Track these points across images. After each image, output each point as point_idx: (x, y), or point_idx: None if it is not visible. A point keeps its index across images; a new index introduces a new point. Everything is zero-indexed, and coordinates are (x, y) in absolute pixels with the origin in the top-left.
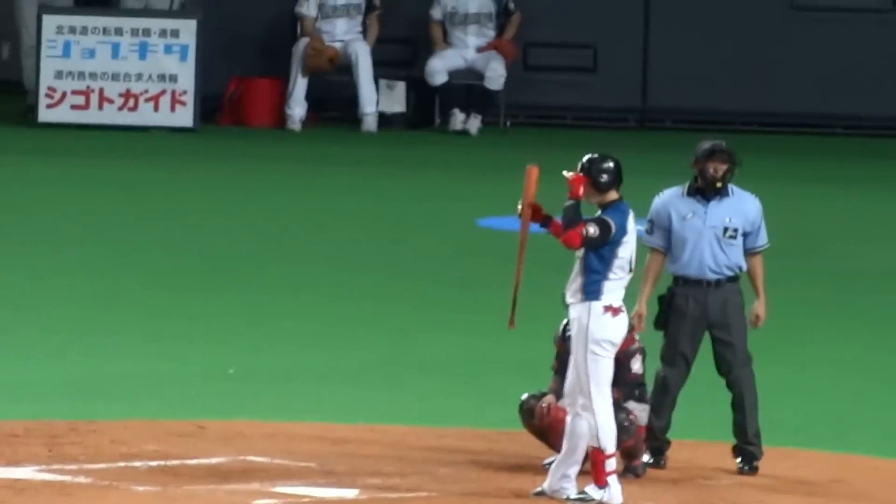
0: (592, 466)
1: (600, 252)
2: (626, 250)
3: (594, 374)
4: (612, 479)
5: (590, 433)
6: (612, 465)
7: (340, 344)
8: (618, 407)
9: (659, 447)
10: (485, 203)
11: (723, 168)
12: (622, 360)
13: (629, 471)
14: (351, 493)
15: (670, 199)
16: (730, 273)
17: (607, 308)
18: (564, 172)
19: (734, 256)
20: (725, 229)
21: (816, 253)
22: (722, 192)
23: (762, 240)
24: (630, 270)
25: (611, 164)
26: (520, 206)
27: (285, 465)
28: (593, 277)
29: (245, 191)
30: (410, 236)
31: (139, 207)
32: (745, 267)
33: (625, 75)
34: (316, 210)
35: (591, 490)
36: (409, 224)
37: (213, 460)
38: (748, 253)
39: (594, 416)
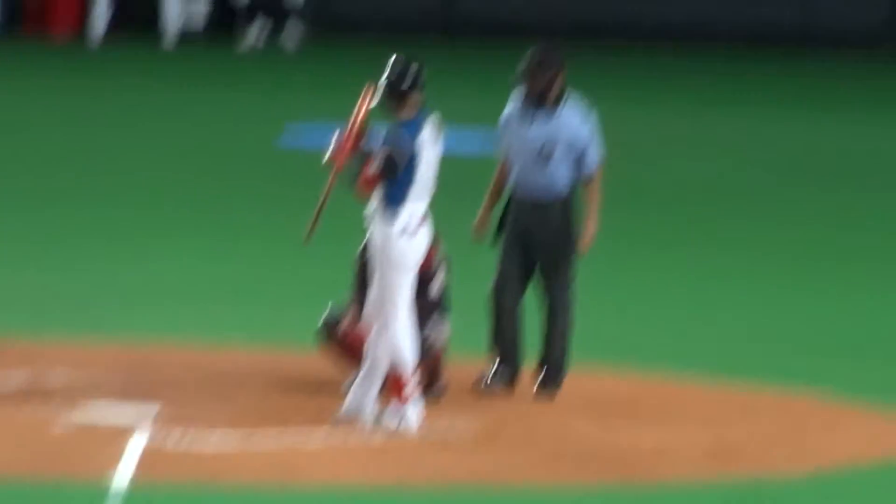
0: (390, 390)
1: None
2: (425, 170)
3: (392, 294)
4: (411, 404)
5: (389, 354)
6: (410, 389)
7: (140, 263)
8: (418, 327)
9: (502, 362)
10: (286, 119)
11: (542, 79)
12: (423, 280)
13: (429, 393)
14: (151, 410)
15: (510, 112)
16: (545, 196)
17: (404, 229)
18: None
19: (555, 178)
20: (542, 148)
21: (617, 168)
22: (548, 108)
23: (591, 160)
24: (429, 185)
25: (396, 76)
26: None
27: (83, 386)
28: (391, 198)
29: (42, 110)
30: (209, 156)
31: None
32: (567, 191)
33: None
34: (113, 128)
35: (389, 414)
36: (206, 144)
37: (12, 381)
38: (582, 172)
39: (392, 337)
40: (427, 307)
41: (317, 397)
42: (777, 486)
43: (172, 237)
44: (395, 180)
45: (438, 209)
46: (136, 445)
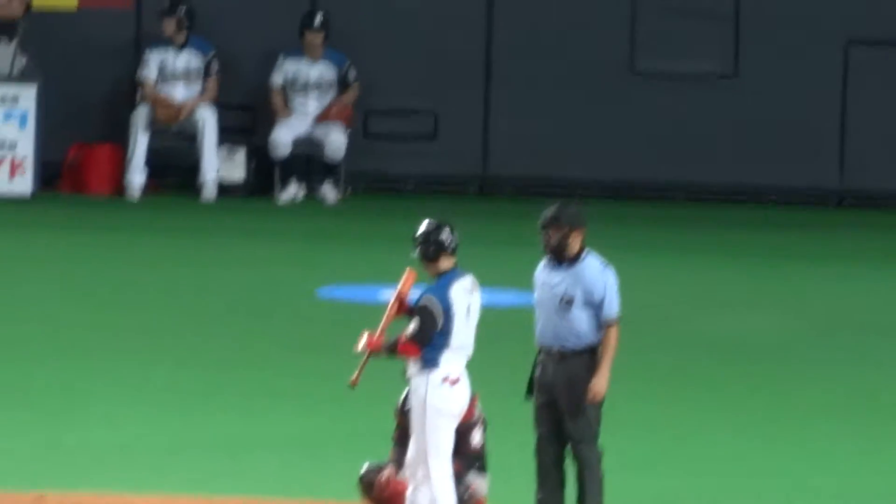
0: None
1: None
2: (459, 326)
3: (433, 444)
4: None
5: None
6: None
7: (179, 417)
8: (458, 479)
9: None
10: (325, 272)
11: (556, 235)
12: (463, 432)
13: None
14: None
15: (539, 267)
16: (570, 345)
17: (445, 378)
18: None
19: (577, 327)
20: (562, 298)
21: (658, 322)
22: (568, 260)
23: (608, 312)
24: (466, 339)
25: (428, 237)
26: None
27: None
28: (430, 348)
29: (82, 261)
30: (249, 306)
31: None
32: (594, 339)
33: (465, 142)
34: (153, 280)
35: None
36: (248, 294)
37: None
38: (601, 324)
39: (433, 489)
40: (469, 456)
41: None
42: None
43: (209, 394)
44: (432, 339)
45: (474, 364)
46: None
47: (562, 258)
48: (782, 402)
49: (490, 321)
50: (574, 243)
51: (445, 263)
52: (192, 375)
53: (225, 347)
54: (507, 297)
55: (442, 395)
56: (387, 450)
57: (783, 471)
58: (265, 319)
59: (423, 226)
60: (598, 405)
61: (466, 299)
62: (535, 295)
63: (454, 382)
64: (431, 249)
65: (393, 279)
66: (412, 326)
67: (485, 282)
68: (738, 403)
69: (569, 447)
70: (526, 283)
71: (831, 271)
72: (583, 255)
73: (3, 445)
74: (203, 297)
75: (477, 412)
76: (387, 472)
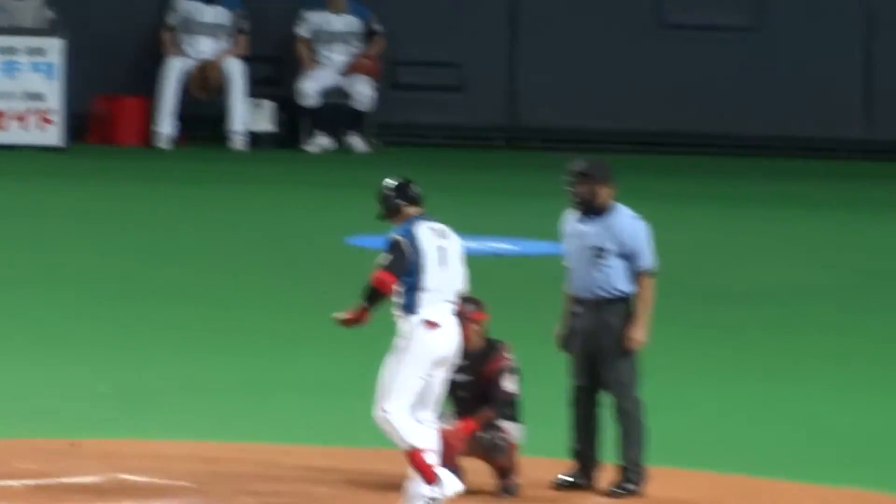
0: (415, 468)
1: (408, 269)
2: (432, 263)
3: (399, 384)
4: (440, 471)
5: (397, 437)
6: (431, 458)
7: (209, 359)
8: (491, 426)
9: (581, 467)
10: (353, 221)
11: (585, 189)
12: (493, 378)
13: (503, 490)
14: None
15: (568, 216)
16: (604, 294)
17: (425, 322)
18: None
19: (610, 277)
20: (594, 248)
21: (688, 272)
22: (599, 212)
23: (642, 262)
24: (442, 280)
25: (393, 184)
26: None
27: (159, 484)
28: (405, 293)
29: (113, 210)
30: (279, 253)
31: (7, 225)
32: (627, 290)
33: (492, 94)
34: (186, 227)
35: (427, 490)
36: (277, 241)
37: (88, 479)
38: (635, 275)
39: (391, 422)
40: (501, 402)
41: (390, 494)
42: None
43: (239, 338)
44: (406, 285)
45: (509, 313)
46: None
47: (592, 211)
48: (809, 348)
49: (520, 271)
50: (603, 196)
51: (409, 211)
52: (222, 321)
53: (254, 293)
54: (536, 247)
55: (420, 338)
56: None
57: (809, 416)
58: (294, 266)
59: (383, 186)
60: (635, 354)
61: (436, 241)
62: (565, 245)
63: (434, 327)
64: (393, 204)
65: None
66: (382, 259)
67: (513, 232)
68: (765, 350)
69: (609, 397)
70: (555, 234)
71: (857, 220)
72: (613, 206)
73: (37, 392)
74: (233, 244)
75: (508, 360)
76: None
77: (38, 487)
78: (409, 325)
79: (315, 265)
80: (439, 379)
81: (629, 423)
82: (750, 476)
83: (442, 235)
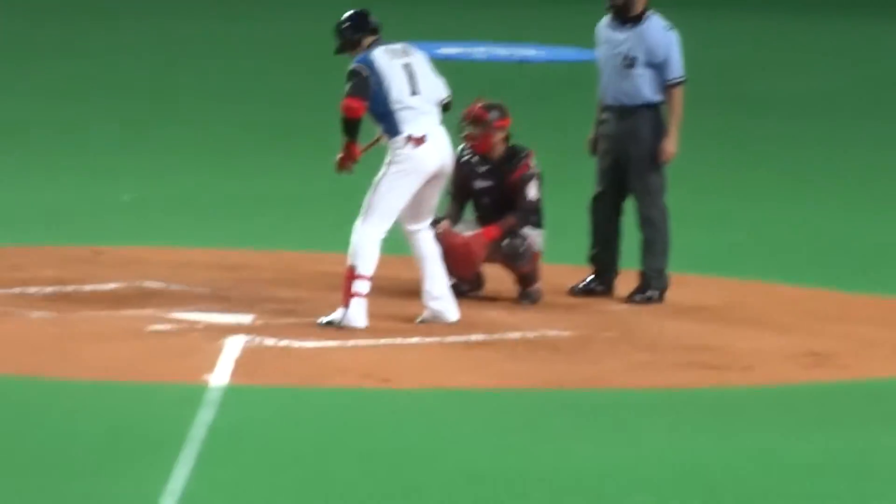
0: (343, 284)
1: (375, 96)
2: (394, 80)
3: (380, 203)
4: (357, 302)
5: (351, 251)
6: (360, 286)
7: (232, 173)
8: (514, 233)
9: (599, 272)
10: None
11: None
12: (518, 186)
13: (525, 296)
14: (246, 318)
15: (602, 23)
16: (630, 102)
17: (409, 138)
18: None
19: (639, 86)
20: (625, 57)
21: (722, 80)
22: (632, 20)
23: (672, 72)
24: (414, 94)
25: (348, 16)
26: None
27: (181, 291)
28: (383, 116)
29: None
30: (298, 61)
31: (25, 33)
32: (655, 99)
33: None
34: (205, 37)
35: (337, 313)
36: (294, 51)
37: (110, 286)
38: (664, 85)
39: (357, 239)
40: (524, 210)
41: (413, 300)
42: (874, 386)
43: (258, 154)
44: (381, 108)
45: (535, 123)
46: (234, 346)
47: (626, 16)
48: (834, 160)
49: (550, 77)
50: (638, 3)
51: (366, 42)
52: (240, 135)
53: (280, 100)
54: (567, 53)
55: (406, 153)
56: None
57: (838, 225)
58: (315, 76)
59: (339, 20)
60: (662, 164)
61: (398, 60)
62: (597, 52)
63: (419, 142)
64: (351, 36)
65: (446, 37)
66: (345, 88)
67: (544, 39)
68: (791, 162)
69: (634, 205)
70: (586, 41)
71: (882, 28)
72: (647, 14)
73: (61, 202)
74: (261, 56)
75: (532, 167)
76: (442, 225)
77: (59, 294)
78: (396, 145)
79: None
80: (435, 191)
81: (654, 231)
82: (768, 282)
83: (404, 53)
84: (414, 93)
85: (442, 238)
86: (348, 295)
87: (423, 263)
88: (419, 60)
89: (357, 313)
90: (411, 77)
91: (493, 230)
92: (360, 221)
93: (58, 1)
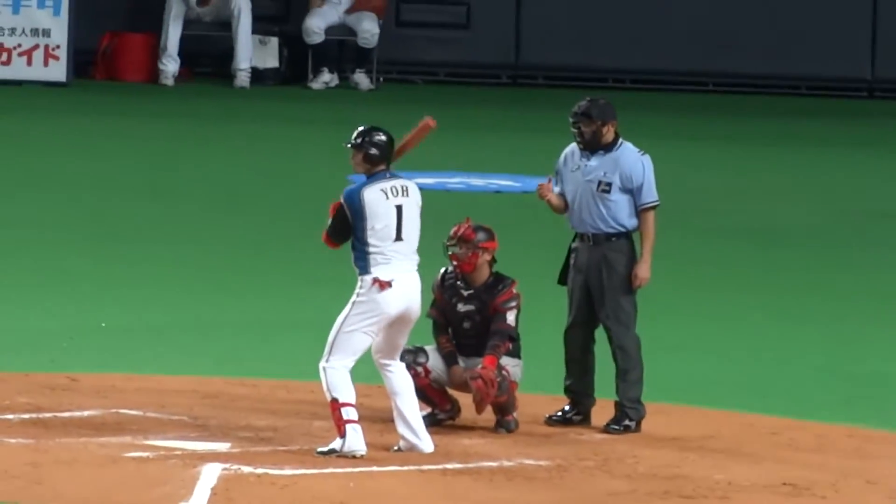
0: (332, 416)
1: (355, 230)
2: (379, 221)
3: (342, 340)
4: (351, 428)
5: (324, 388)
6: (348, 413)
7: (211, 299)
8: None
9: (575, 403)
10: None
11: (588, 129)
12: (501, 311)
13: (501, 426)
14: (223, 445)
15: (570, 150)
16: (607, 229)
17: (375, 280)
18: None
19: (614, 212)
20: (599, 183)
21: (692, 210)
22: (604, 148)
23: (646, 197)
24: (397, 239)
25: (382, 138)
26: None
27: (157, 418)
28: (358, 252)
29: (118, 147)
30: (282, 191)
31: (12, 163)
32: (630, 225)
33: (498, 32)
34: (187, 165)
35: (336, 443)
36: (280, 179)
37: (86, 413)
38: (638, 210)
39: (325, 376)
40: (505, 335)
41: (391, 429)
42: None
43: (241, 278)
44: (357, 245)
45: (511, 252)
46: (210, 474)
47: (596, 149)
48: (815, 287)
49: (521, 208)
50: (608, 134)
51: (378, 168)
52: (224, 259)
53: (257, 231)
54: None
55: (369, 296)
56: (413, 338)
57: (816, 354)
58: (297, 204)
59: (370, 129)
60: (634, 291)
61: (393, 200)
62: (565, 183)
63: (384, 286)
64: (370, 157)
65: (422, 167)
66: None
67: (515, 169)
68: (771, 289)
69: (606, 335)
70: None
71: (864, 160)
72: (618, 142)
73: (38, 328)
74: (236, 181)
75: (517, 295)
76: (421, 360)
77: (36, 421)
78: (362, 284)
79: (319, 204)
80: (403, 331)
81: (627, 360)
82: (745, 412)
83: (403, 193)
84: (398, 238)
85: (425, 374)
86: (341, 424)
87: (395, 398)
88: (411, 204)
89: (355, 440)
90: (399, 221)
91: (491, 359)
92: (323, 361)
93: None
